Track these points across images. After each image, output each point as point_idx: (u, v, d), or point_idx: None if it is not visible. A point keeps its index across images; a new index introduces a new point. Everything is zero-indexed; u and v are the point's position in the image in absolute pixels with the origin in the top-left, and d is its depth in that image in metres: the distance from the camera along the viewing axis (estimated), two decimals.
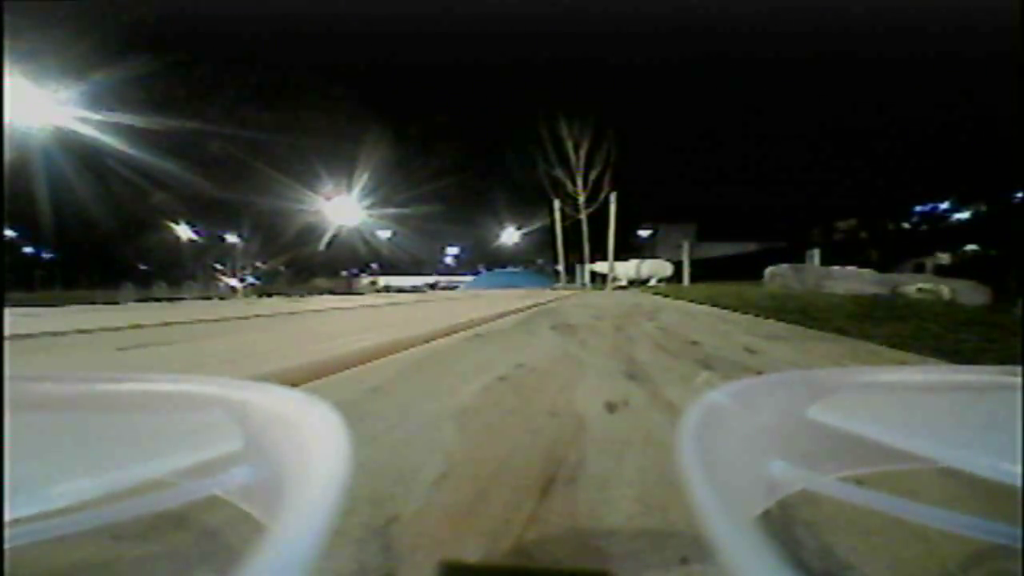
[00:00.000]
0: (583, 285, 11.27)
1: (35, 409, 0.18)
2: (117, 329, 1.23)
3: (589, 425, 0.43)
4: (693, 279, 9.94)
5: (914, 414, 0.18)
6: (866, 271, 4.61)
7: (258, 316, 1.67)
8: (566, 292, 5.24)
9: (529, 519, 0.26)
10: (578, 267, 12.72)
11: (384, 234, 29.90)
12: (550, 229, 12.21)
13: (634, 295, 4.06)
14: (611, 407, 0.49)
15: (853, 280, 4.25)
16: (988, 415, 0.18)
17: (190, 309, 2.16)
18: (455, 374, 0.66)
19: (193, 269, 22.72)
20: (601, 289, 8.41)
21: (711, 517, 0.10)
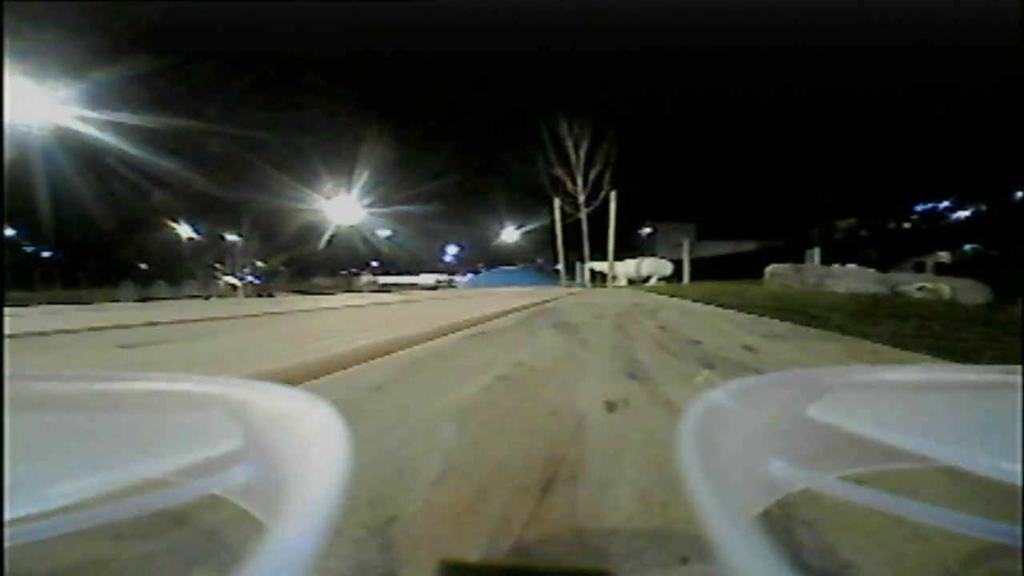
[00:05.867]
0: (583, 284, 11.28)
1: (35, 409, 0.18)
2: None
3: (589, 424, 0.43)
4: (693, 278, 9.95)
5: (914, 414, 0.18)
6: (866, 270, 4.61)
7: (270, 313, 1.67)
8: (567, 291, 5.24)
9: (529, 519, 0.26)
10: (578, 266, 12.72)
11: (384, 233, 29.94)
12: (550, 228, 12.22)
13: (634, 294, 4.06)
14: (611, 406, 0.49)
15: (853, 279, 4.25)
16: (988, 415, 0.18)
17: (201, 307, 2.16)
18: (455, 373, 0.66)
19: (193, 268, 22.69)
20: (601, 287, 8.42)
21: (711, 516, 0.10)
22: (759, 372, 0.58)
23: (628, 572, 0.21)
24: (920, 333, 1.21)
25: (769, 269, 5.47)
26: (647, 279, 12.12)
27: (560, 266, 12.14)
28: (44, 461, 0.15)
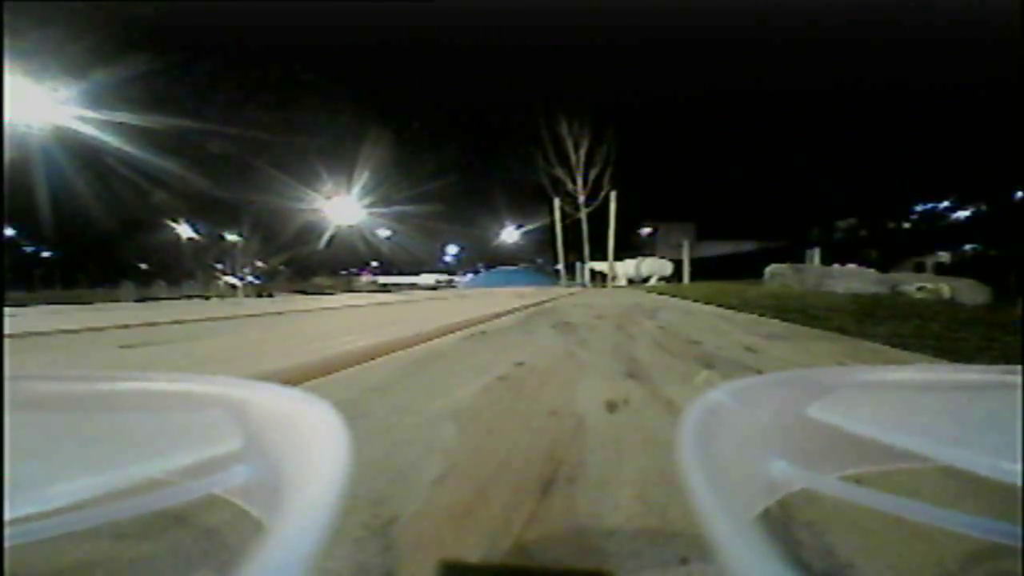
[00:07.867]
0: (583, 284, 11.27)
1: (35, 409, 0.18)
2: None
3: (589, 424, 0.43)
4: (693, 278, 9.95)
5: (914, 414, 0.18)
6: (866, 270, 4.61)
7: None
8: (567, 291, 5.24)
9: (529, 519, 0.26)
10: (578, 266, 12.72)
11: (384, 233, 29.96)
12: (550, 228, 12.20)
13: (634, 294, 4.06)
14: (611, 406, 0.49)
15: (853, 279, 4.25)
16: (988, 415, 0.18)
17: (201, 308, 2.16)
18: (455, 373, 0.66)
19: (193, 268, 22.71)
20: (601, 287, 8.41)
21: (711, 517, 0.10)
22: (759, 372, 0.58)
23: (628, 572, 0.21)
24: (920, 333, 1.21)
25: (769, 269, 5.47)
26: (647, 279, 12.13)
27: (560, 266, 12.13)
28: (44, 461, 0.15)
